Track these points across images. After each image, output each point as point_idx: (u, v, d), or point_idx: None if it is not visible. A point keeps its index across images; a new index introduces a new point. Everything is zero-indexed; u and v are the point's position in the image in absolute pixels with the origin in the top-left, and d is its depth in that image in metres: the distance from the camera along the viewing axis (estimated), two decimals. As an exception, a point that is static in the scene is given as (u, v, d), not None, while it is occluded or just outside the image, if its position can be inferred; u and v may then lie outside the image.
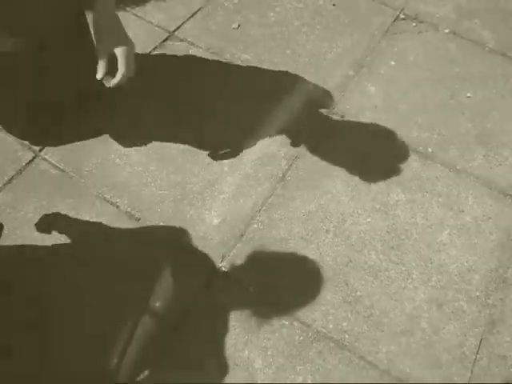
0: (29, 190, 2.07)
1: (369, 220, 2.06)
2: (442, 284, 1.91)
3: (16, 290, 1.82)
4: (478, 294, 1.90)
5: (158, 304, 1.83)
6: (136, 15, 2.72)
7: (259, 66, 2.54)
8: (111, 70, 1.62)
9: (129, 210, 2.05)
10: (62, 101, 2.25)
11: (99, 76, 1.61)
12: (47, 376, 1.65)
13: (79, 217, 2.01)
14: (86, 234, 1.97)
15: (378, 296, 1.88)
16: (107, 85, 1.63)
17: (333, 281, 1.90)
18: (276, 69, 2.53)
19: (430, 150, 2.29)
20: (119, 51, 1.64)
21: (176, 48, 2.60)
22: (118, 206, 2.05)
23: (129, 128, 2.28)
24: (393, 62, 2.61)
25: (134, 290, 1.85)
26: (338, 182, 2.16)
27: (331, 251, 1.97)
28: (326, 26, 2.74)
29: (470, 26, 2.79)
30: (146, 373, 1.69)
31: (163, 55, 2.56)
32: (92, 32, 1.69)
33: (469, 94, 2.48)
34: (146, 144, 2.22)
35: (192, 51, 2.59)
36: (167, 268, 1.91)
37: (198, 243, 1.98)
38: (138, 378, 1.68)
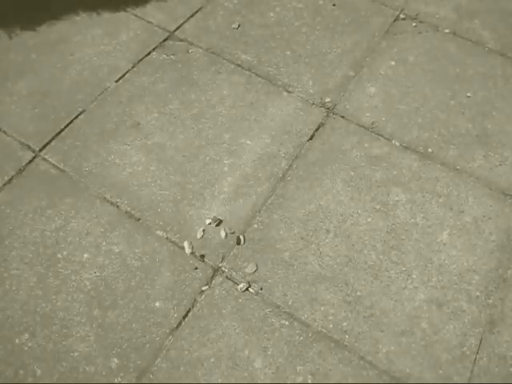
0: (29, 189, 2.07)
1: (369, 220, 2.06)
2: (442, 284, 1.91)
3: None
4: (478, 294, 1.90)
5: (157, 304, 1.82)
6: (136, 15, 2.72)
7: (260, 66, 2.55)
8: None
9: (129, 209, 2.05)
10: None
11: None
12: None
13: (79, 216, 2.01)
14: (86, 233, 1.98)
15: (378, 296, 1.88)
16: None
17: (333, 281, 1.90)
18: (275, 69, 2.54)
19: (430, 150, 2.29)
20: None
21: (176, 48, 2.60)
22: (117, 206, 2.05)
23: (130, 128, 2.28)
24: (393, 62, 2.61)
25: (134, 289, 1.85)
26: (338, 182, 2.16)
27: (331, 251, 1.97)
28: (326, 27, 2.74)
29: (470, 26, 2.79)
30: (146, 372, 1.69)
31: (164, 55, 2.56)
32: None
33: (469, 94, 2.49)
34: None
35: (192, 51, 2.59)
36: (167, 268, 1.91)
37: (198, 243, 1.98)
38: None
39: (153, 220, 2.02)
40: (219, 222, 2.03)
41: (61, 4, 2.74)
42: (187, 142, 2.25)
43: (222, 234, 2.00)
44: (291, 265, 1.93)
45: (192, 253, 1.95)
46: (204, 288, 1.87)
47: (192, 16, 2.75)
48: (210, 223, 2.02)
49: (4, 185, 2.09)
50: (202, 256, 1.94)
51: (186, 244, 1.96)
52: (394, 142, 2.31)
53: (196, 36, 2.66)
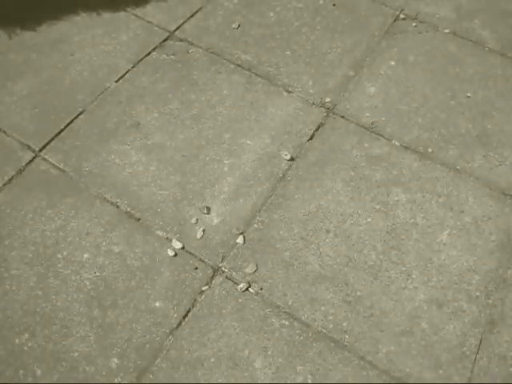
0: (29, 189, 2.08)
1: (369, 220, 2.06)
2: (442, 284, 1.91)
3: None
4: (478, 294, 1.90)
5: (157, 304, 1.83)
6: (136, 15, 2.72)
7: (260, 66, 2.55)
8: None
9: (129, 209, 2.05)
10: None
11: None
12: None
13: (79, 216, 2.01)
14: (86, 234, 1.98)
15: (378, 296, 1.88)
16: None
17: (333, 281, 1.90)
18: (275, 69, 2.54)
19: (430, 150, 2.29)
20: None
21: (176, 48, 2.60)
22: (117, 206, 2.05)
23: (130, 128, 2.28)
24: (393, 62, 2.61)
25: (134, 289, 1.85)
26: (338, 182, 2.16)
27: (331, 251, 1.97)
28: (326, 27, 2.74)
29: (470, 26, 2.79)
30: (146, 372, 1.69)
31: (164, 55, 2.56)
32: None
33: (469, 94, 2.49)
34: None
35: (192, 51, 2.59)
36: (167, 267, 1.91)
37: (198, 243, 1.98)
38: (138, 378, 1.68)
39: (153, 220, 2.02)
40: (219, 222, 2.03)
41: (61, 4, 2.74)
42: (187, 141, 2.25)
43: (222, 233, 2.00)
44: (291, 265, 1.94)
45: (192, 252, 1.95)
46: (204, 288, 1.87)
47: (192, 16, 2.75)
48: (209, 223, 2.02)
49: (4, 185, 2.09)
50: (202, 256, 1.94)
51: (186, 243, 1.96)
52: (393, 141, 2.31)
53: (196, 36, 2.66)
